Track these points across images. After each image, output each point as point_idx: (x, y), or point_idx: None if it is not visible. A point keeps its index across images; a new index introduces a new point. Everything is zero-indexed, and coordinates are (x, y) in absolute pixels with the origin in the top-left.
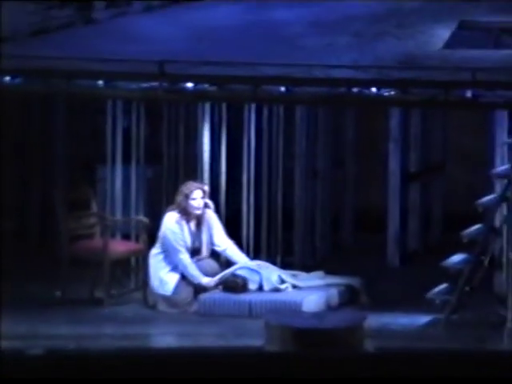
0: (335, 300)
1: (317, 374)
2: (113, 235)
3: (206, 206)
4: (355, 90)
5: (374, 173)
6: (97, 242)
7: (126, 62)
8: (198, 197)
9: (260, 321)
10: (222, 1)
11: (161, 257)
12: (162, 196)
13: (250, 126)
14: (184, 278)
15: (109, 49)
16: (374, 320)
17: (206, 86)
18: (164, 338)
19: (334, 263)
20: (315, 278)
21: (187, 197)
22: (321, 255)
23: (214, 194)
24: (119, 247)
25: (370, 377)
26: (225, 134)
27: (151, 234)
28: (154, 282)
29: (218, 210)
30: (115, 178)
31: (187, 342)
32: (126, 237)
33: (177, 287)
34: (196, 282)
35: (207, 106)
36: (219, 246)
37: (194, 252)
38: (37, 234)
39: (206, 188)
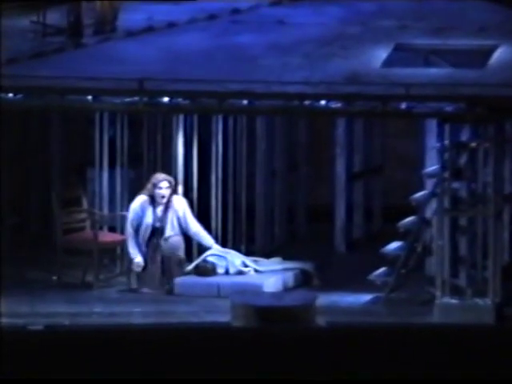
0: (291, 282)
1: (276, 345)
2: (101, 228)
3: (173, 192)
4: (307, 102)
5: (323, 173)
6: (87, 233)
7: (111, 80)
8: (164, 187)
9: (227, 300)
10: (193, 27)
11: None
12: None
13: (218, 134)
14: (147, 259)
15: (96, 69)
16: (325, 299)
17: (180, 99)
18: (145, 316)
19: (289, 250)
20: (274, 263)
21: (155, 186)
22: (278, 243)
23: (187, 192)
24: (106, 238)
25: (320, 347)
26: (196, 140)
27: None
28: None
29: (191, 206)
30: (103, 179)
31: (165, 319)
32: (112, 229)
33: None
34: (131, 257)
35: (181, 117)
36: (190, 230)
37: (157, 231)
38: (37, 228)
39: (172, 180)
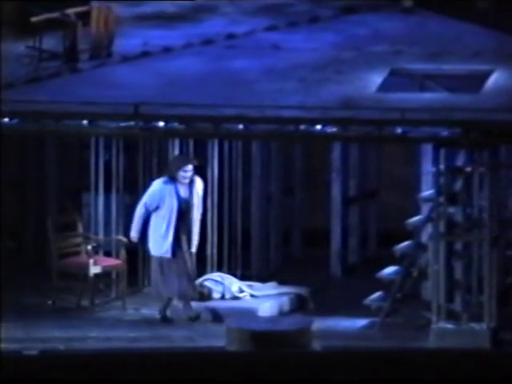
0: (286, 306)
1: (271, 370)
2: (96, 252)
3: (195, 173)
4: (302, 127)
5: (319, 197)
6: (83, 258)
7: (107, 105)
8: (189, 169)
9: (222, 325)
10: (189, 51)
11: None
12: None
13: (213, 158)
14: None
15: (92, 94)
16: (320, 323)
17: (175, 124)
18: (140, 341)
19: (285, 275)
20: (269, 288)
21: (179, 168)
22: (274, 268)
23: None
24: (102, 263)
25: (316, 372)
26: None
27: (129, 251)
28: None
29: None
30: (98, 204)
31: (160, 344)
32: (108, 254)
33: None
34: (131, 231)
35: (176, 142)
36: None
37: (183, 214)
38: (32, 253)
39: (195, 161)
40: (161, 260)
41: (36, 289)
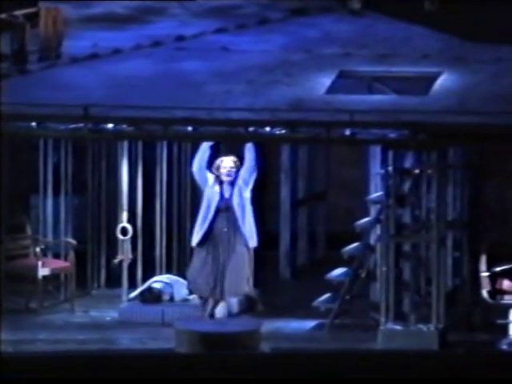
0: (235, 308)
1: (220, 372)
2: (45, 255)
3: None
4: (251, 129)
5: (268, 199)
6: (31, 260)
7: (56, 107)
8: (227, 166)
9: (171, 327)
10: (138, 53)
11: None
12: (87, 221)
13: (162, 160)
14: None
15: (41, 95)
16: (269, 325)
17: (124, 126)
18: (89, 343)
19: None
20: None
21: (219, 167)
22: None
23: (131, 219)
24: (50, 265)
25: (265, 373)
26: (141, 167)
27: (78, 254)
28: None
29: (135, 233)
30: (47, 206)
31: (109, 346)
32: (57, 256)
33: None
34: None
35: (125, 144)
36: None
37: (221, 211)
38: None
39: (235, 159)
40: (200, 252)
41: None
